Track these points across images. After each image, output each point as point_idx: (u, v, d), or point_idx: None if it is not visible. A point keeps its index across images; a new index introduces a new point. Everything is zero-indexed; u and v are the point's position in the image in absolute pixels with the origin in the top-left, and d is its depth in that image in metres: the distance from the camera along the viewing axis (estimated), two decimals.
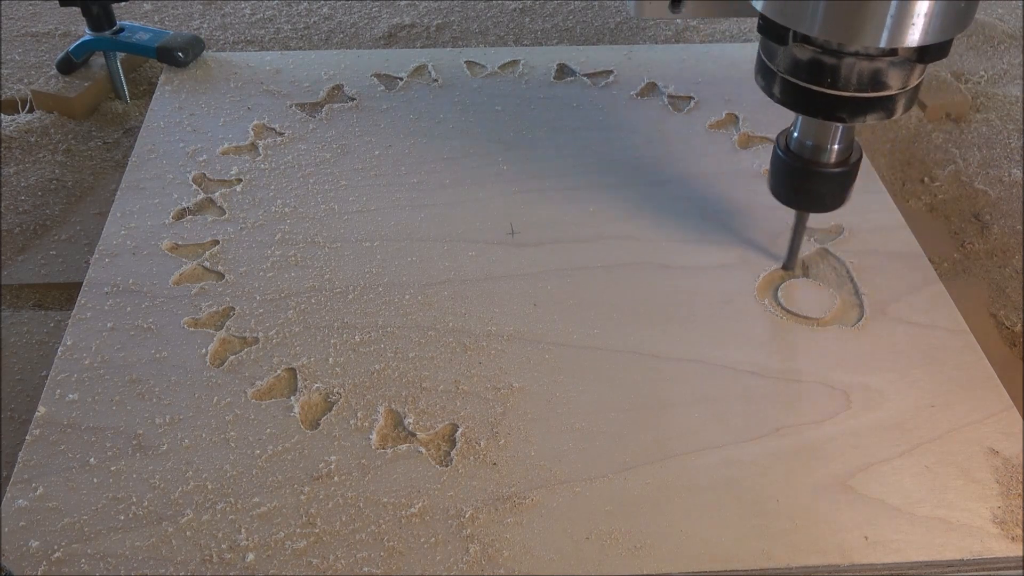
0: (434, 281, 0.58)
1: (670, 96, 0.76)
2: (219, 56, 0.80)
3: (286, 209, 0.63)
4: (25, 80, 0.82)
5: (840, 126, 0.51)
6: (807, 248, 0.61)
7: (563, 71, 0.79)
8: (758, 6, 0.46)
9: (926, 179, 0.74)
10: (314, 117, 0.73)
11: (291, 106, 0.74)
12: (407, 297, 0.57)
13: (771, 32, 0.46)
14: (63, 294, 0.62)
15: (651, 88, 0.77)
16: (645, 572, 0.43)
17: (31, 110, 0.79)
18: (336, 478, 0.47)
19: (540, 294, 0.58)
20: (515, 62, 0.80)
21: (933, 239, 0.68)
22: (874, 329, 0.56)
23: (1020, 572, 0.45)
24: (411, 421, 0.50)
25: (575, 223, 0.63)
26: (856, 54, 0.45)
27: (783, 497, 0.47)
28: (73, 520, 0.45)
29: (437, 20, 0.94)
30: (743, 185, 0.67)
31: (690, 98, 0.75)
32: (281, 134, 0.71)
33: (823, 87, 0.47)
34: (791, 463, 0.48)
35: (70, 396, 0.50)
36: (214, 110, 0.73)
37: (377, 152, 0.69)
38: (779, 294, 0.58)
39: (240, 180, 0.66)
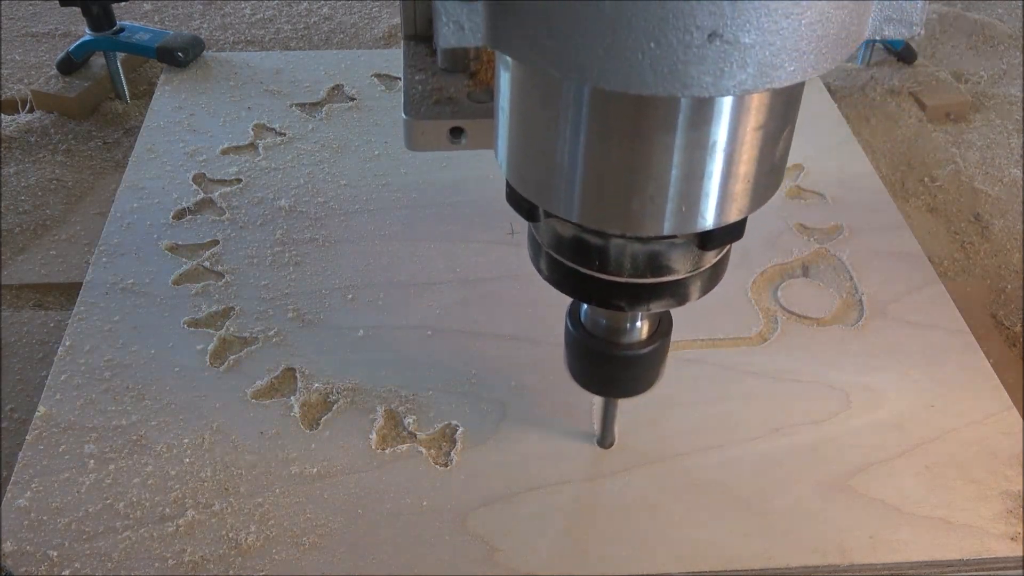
0: (434, 281, 0.58)
1: None
2: (219, 56, 0.80)
3: (286, 209, 0.63)
4: (25, 80, 0.82)
5: None
6: (807, 248, 0.61)
7: None
8: (502, 170, 0.35)
9: (926, 179, 0.74)
10: (314, 117, 0.73)
11: (291, 106, 0.74)
12: (407, 297, 0.57)
13: (518, 205, 0.35)
14: (63, 294, 0.62)
15: None
16: (645, 572, 0.43)
17: (31, 110, 0.79)
18: (336, 478, 0.47)
19: (540, 294, 0.58)
20: None
21: (933, 239, 0.68)
22: (874, 329, 0.56)
23: (1020, 572, 0.45)
24: (411, 421, 0.50)
25: None
26: (624, 236, 0.34)
27: (783, 497, 0.47)
28: (73, 520, 0.45)
29: None
30: None
31: None
32: (281, 134, 0.71)
33: (591, 270, 0.36)
34: (791, 463, 0.48)
35: (70, 396, 0.50)
36: (214, 110, 0.73)
37: (377, 152, 0.69)
38: (779, 294, 0.58)
39: (240, 180, 0.66)
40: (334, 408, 0.50)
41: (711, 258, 0.37)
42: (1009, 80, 0.87)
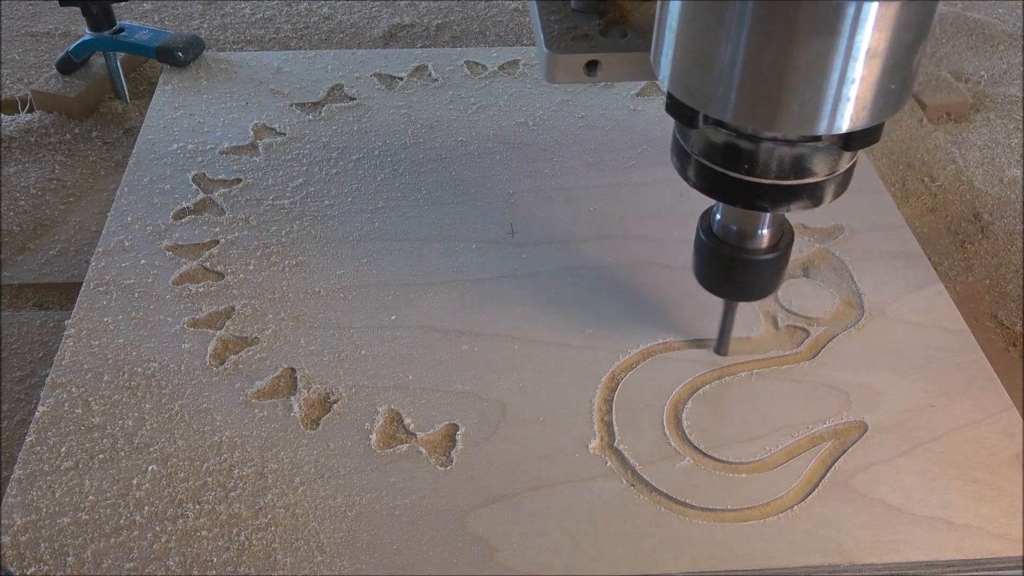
0: (434, 281, 0.58)
1: None
2: (219, 56, 0.80)
3: (286, 209, 0.63)
4: (25, 80, 0.82)
5: None
6: (807, 248, 0.61)
7: None
8: (663, 84, 0.40)
9: (926, 179, 0.74)
10: (314, 117, 0.73)
11: (291, 106, 0.74)
12: (407, 297, 0.57)
13: (679, 114, 0.40)
14: (63, 294, 0.62)
15: (651, 88, 0.77)
16: (645, 572, 0.43)
17: (31, 110, 0.79)
18: (336, 478, 0.47)
19: (540, 294, 0.58)
20: (515, 62, 0.80)
21: (933, 239, 0.68)
22: (874, 329, 0.56)
23: (1020, 572, 0.45)
24: (411, 421, 0.50)
25: (575, 223, 0.63)
26: (775, 139, 0.40)
27: (784, 497, 0.47)
28: (73, 520, 0.45)
29: (437, 20, 0.94)
30: None
31: None
32: (281, 134, 0.71)
33: (740, 174, 0.41)
34: (791, 463, 0.48)
35: (70, 396, 0.50)
36: (214, 110, 0.73)
37: (377, 152, 0.69)
38: (779, 294, 0.58)
39: (240, 180, 0.66)
40: (334, 408, 0.50)
41: (845, 163, 0.42)
42: (1009, 80, 0.87)
